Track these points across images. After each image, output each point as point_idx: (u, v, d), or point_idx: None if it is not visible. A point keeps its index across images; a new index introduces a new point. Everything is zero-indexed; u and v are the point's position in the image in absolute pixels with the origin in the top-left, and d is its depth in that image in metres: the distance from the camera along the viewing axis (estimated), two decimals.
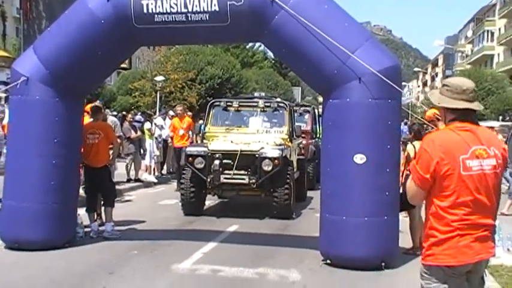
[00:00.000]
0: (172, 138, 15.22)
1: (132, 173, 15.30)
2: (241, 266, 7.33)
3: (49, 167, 7.77)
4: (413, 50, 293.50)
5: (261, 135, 11.65)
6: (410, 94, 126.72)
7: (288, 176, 10.93)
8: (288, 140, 11.86)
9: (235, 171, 10.80)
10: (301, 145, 13.87)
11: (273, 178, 10.79)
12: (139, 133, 15.44)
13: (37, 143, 7.74)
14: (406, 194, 3.57)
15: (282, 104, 12.48)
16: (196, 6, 7.33)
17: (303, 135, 14.59)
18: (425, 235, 3.50)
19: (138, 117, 16.86)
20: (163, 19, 7.44)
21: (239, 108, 12.48)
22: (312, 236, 8.41)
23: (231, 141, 11.18)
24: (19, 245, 7.78)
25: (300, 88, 62.69)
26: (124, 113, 20.11)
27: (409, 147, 8.38)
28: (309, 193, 13.44)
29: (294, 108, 14.56)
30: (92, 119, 9.40)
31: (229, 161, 10.79)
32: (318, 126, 16.35)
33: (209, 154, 10.83)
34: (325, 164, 7.59)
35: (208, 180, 10.81)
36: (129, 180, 15.08)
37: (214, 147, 11.02)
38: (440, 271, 3.40)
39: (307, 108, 17.06)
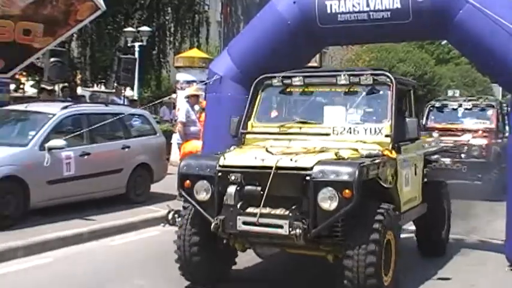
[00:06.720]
0: None
1: None
2: None
3: None
4: None
5: (336, 138, 6.44)
6: None
7: (378, 222, 5.38)
8: (391, 145, 6.21)
9: (265, 208, 5.55)
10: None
11: (344, 225, 5.54)
12: None
13: (228, 136, 8.38)
14: None
15: (382, 79, 6.58)
16: (378, 4, 7.37)
17: (484, 135, 12.87)
18: None
19: None
20: (346, 18, 7.61)
21: (307, 89, 7.07)
22: None
23: (266, 149, 6.14)
24: None
25: None
26: None
27: None
28: (492, 207, 10.66)
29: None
30: None
31: (255, 188, 5.67)
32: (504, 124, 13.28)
33: (219, 174, 5.84)
34: None
35: (214, 223, 5.72)
36: None
37: (229, 161, 5.95)
38: None
39: (492, 103, 14.23)
